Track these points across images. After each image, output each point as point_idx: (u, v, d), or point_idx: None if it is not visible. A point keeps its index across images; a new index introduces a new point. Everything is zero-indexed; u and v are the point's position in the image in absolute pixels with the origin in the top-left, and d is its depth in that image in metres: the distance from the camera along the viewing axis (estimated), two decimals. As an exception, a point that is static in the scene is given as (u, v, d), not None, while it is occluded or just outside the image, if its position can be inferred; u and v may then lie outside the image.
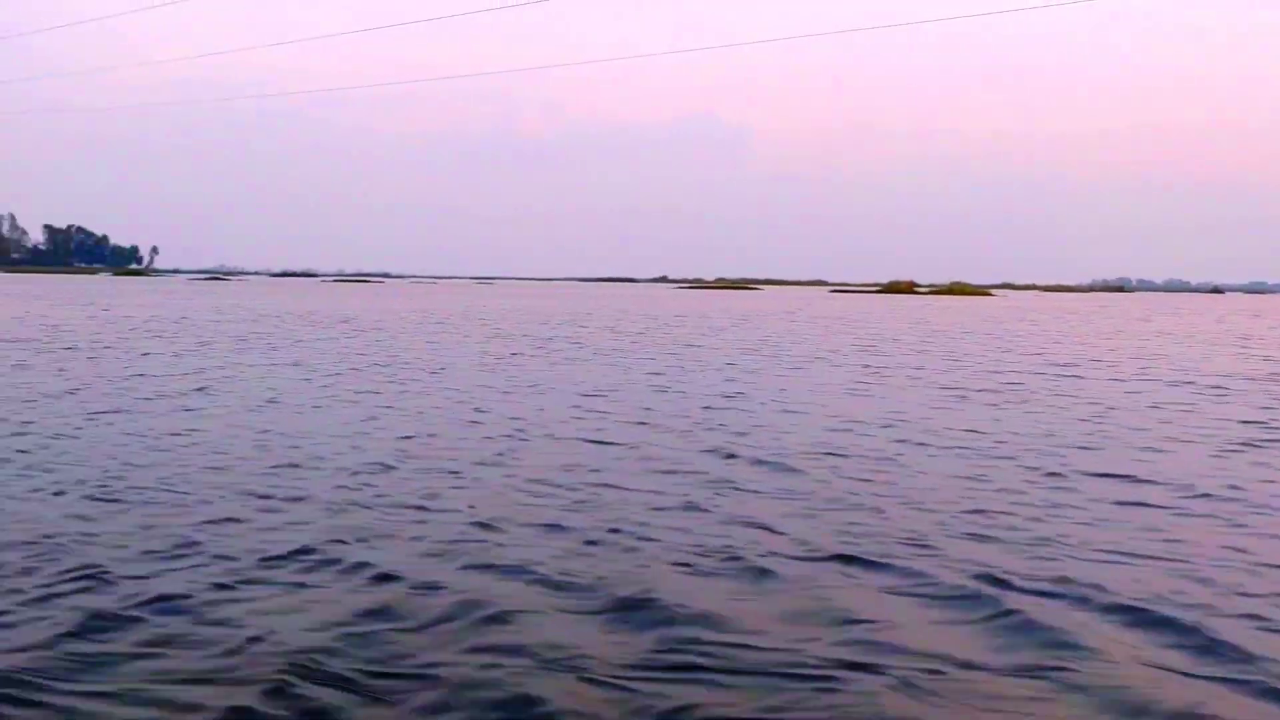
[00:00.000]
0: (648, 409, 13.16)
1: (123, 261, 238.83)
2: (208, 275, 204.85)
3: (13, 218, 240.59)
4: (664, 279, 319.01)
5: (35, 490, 7.60)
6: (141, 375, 16.42)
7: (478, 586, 5.39)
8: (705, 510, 7.29)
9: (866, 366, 20.59)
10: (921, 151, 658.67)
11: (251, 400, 13.54)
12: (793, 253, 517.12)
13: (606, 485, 8.11)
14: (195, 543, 6.13)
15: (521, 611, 4.97)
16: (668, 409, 13.19)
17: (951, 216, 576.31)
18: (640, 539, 6.41)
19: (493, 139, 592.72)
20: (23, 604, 5.01)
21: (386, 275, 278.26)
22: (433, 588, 5.34)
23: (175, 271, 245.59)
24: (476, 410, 12.85)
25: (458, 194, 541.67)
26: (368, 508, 7.23)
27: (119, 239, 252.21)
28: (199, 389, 14.70)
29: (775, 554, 6.14)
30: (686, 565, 5.88)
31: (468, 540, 6.35)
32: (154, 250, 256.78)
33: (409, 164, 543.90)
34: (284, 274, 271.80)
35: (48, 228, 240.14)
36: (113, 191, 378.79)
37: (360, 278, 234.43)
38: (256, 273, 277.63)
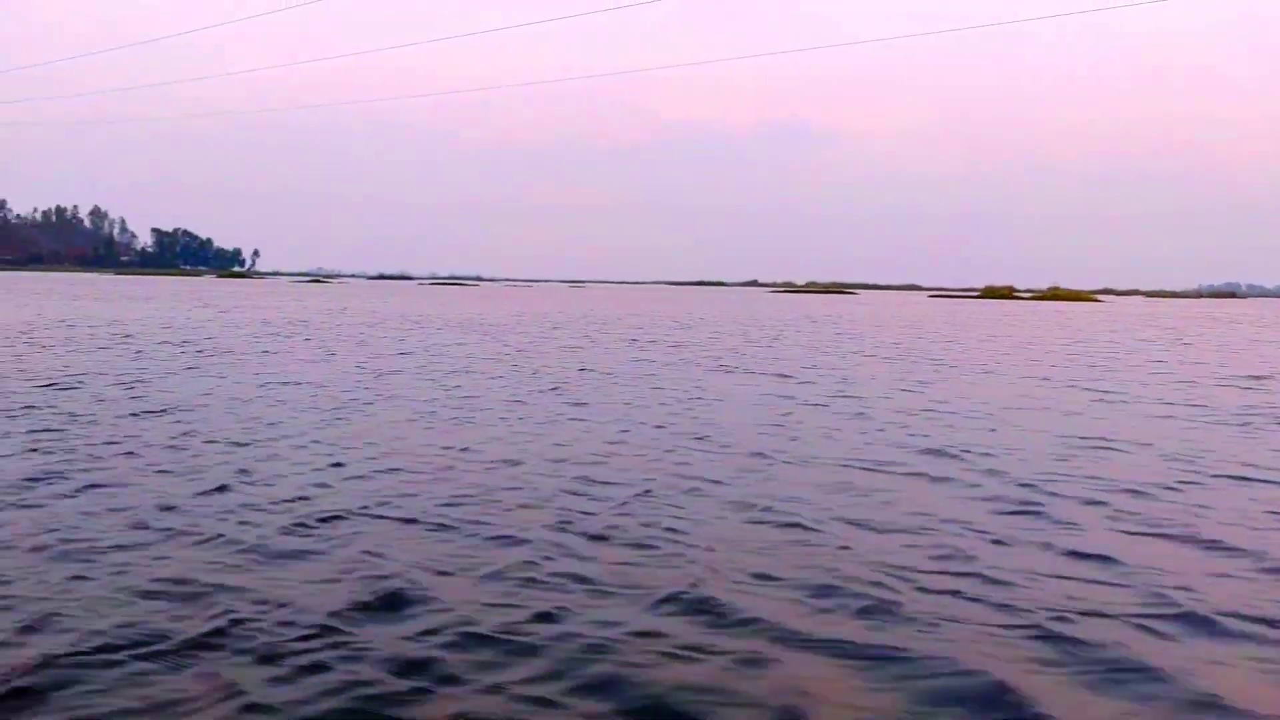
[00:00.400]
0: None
1: (226, 264, 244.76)
2: (309, 278, 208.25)
3: (123, 221, 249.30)
4: (754, 283, 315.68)
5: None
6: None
7: None
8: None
9: (1074, 385, 17.43)
10: (1009, 153, 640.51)
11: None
12: (881, 256, 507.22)
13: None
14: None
15: None
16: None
17: (1042, 220, 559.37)
18: None
19: (581, 144, 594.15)
20: None
21: (479, 278, 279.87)
22: None
23: (275, 274, 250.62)
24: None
25: (547, 198, 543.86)
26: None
27: (222, 242, 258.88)
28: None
29: None
30: None
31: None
32: (255, 253, 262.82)
33: (499, 169, 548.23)
34: (380, 276, 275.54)
35: (155, 231, 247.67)
36: (216, 196, 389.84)
37: (454, 280, 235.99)
38: (353, 275, 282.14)
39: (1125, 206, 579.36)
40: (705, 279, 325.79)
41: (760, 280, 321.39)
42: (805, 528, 6.34)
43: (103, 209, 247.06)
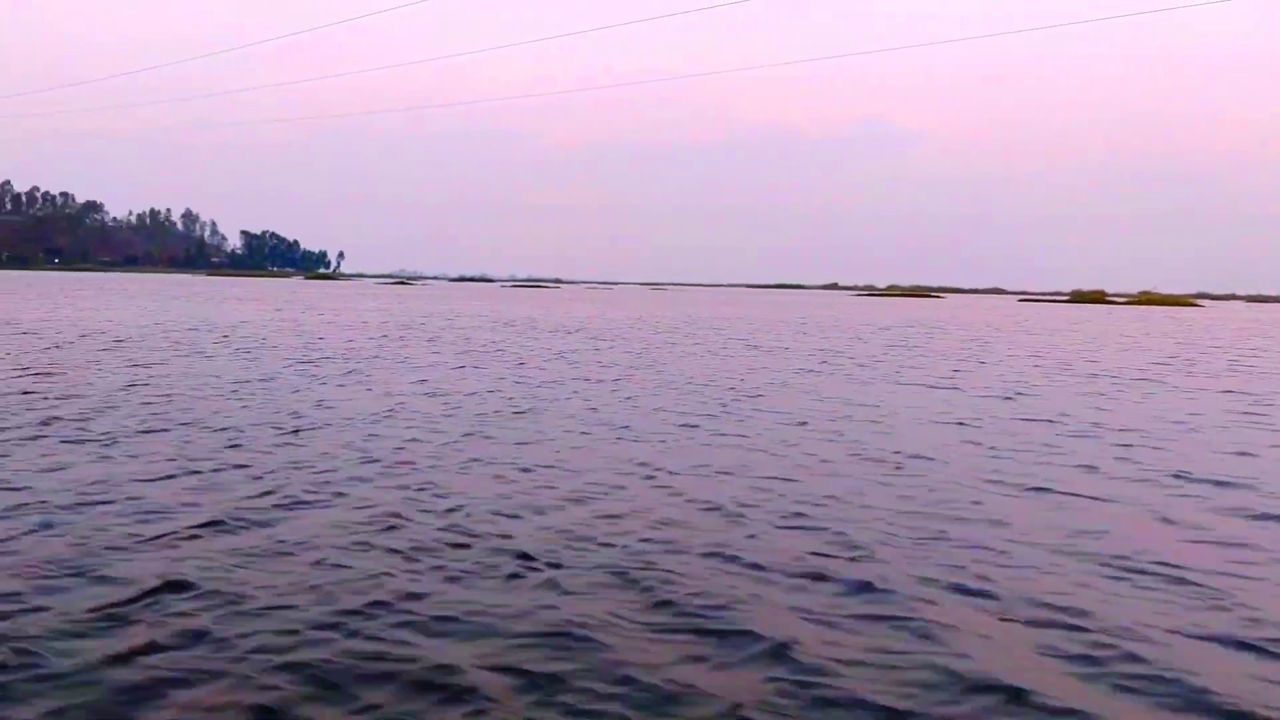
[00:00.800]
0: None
1: (312, 265, 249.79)
2: (394, 279, 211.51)
3: (214, 224, 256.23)
4: (834, 285, 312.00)
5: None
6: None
7: None
8: None
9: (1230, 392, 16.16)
10: (1091, 155, 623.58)
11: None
12: (963, 259, 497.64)
13: None
14: None
15: None
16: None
17: (1128, 222, 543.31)
18: None
19: (658, 146, 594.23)
20: None
21: (558, 280, 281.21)
22: None
23: (359, 275, 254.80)
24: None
25: (625, 200, 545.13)
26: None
27: (308, 244, 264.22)
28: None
29: None
30: None
31: None
32: (340, 254, 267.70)
33: (576, 171, 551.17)
34: (460, 279, 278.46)
35: (244, 233, 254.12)
36: (303, 198, 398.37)
37: (533, 283, 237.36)
38: (434, 277, 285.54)
39: (1217, 209, 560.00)
40: (784, 281, 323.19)
41: (840, 283, 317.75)
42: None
43: (194, 212, 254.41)
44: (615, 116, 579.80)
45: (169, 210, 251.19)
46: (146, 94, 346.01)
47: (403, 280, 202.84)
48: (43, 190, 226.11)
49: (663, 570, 5.50)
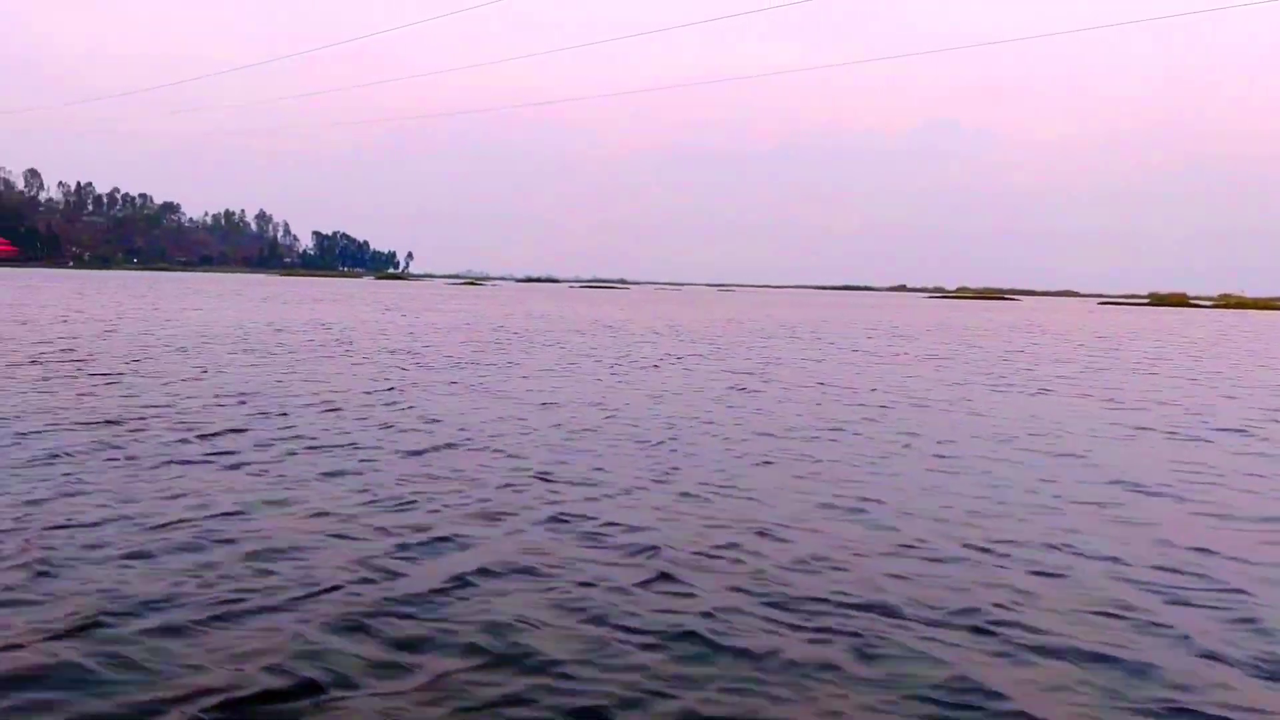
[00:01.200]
0: None
1: (382, 265, 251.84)
2: (462, 280, 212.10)
3: (286, 225, 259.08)
4: (902, 287, 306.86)
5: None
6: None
7: None
8: None
9: None
10: (1169, 156, 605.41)
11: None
12: (1033, 261, 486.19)
13: None
14: None
15: None
16: None
17: (1204, 224, 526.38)
18: None
19: (723, 146, 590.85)
20: None
21: (624, 281, 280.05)
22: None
23: (428, 276, 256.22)
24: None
25: (688, 201, 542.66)
26: None
27: (378, 245, 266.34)
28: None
29: None
30: None
31: None
32: (409, 255, 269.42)
33: (639, 172, 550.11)
34: (527, 279, 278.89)
35: (316, 234, 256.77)
36: (372, 200, 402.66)
37: (600, 283, 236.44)
38: (500, 278, 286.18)
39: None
40: (850, 283, 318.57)
41: (909, 285, 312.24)
42: None
43: (267, 213, 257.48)
44: (677, 117, 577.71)
45: (243, 211, 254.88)
46: (221, 96, 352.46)
47: (472, 281, 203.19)
48: (123, 192, 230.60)
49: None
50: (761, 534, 6.49)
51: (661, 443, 10.07)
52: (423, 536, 6.17)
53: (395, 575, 5.39)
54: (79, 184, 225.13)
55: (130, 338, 22.27)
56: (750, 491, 7.85)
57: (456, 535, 6.24)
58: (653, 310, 58.21)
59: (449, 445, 9.54)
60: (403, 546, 5.92)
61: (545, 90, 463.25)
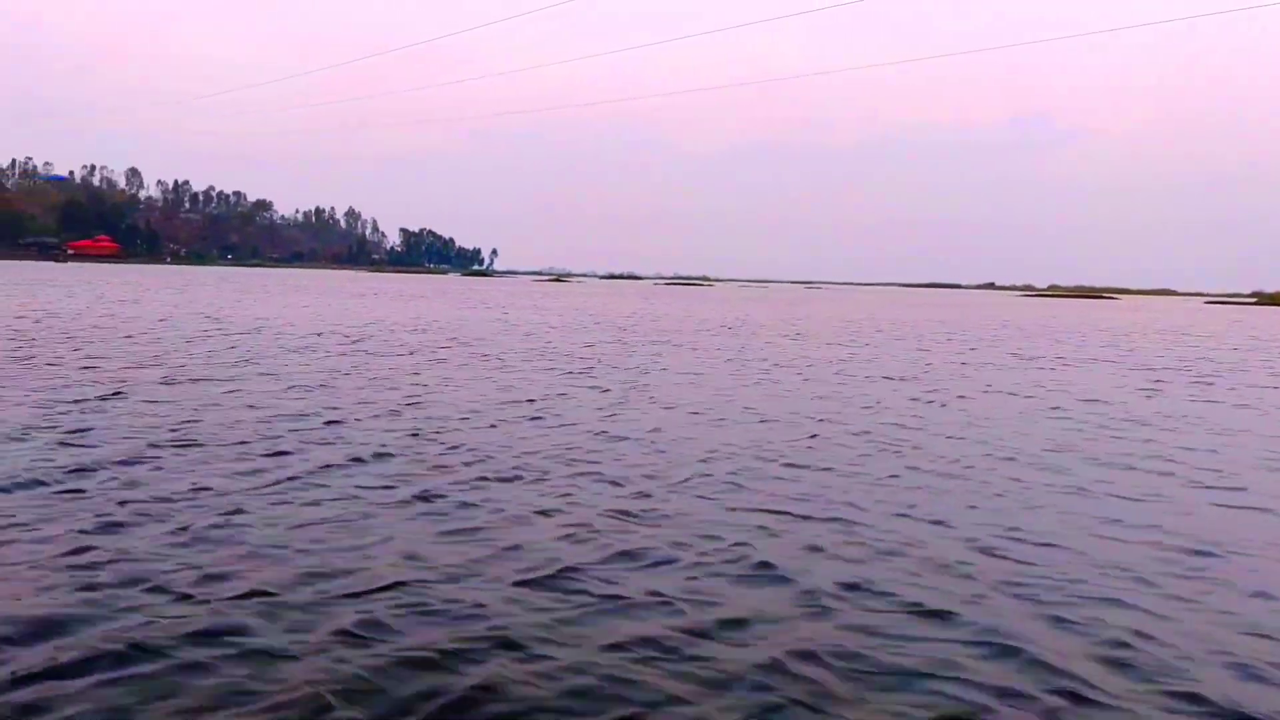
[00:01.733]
0: None
1: (467, 263, 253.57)
2: (548, 276, 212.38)
3: (374, 222, 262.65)
4: (991, 285, 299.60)
5: None
6: None
7: None
8: None
9: None
10: (1268, 147, 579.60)
11: None
12: (1124, 259, 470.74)
13: None
14: None
15: None
16: None
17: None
18: None
19: (806, 144, 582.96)
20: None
21: (705, 278, 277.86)
22: None
23: (512, 272, 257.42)
24: None
25: (770, 198, 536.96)
26: None
27: (463, 242, 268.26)
28: None
29: None
30: None
31: None
32: (494, 252, 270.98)
33: (721, 169, 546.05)
34: (609, 276, 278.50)
35: (403, 231, 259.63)
36: (457, 197, 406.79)
37: (685, 280, 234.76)
38: (583, 274, 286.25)
39: None
40: (936, 281, 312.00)
41: (997, 283, 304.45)
42: None
43: (356, 210, 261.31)
44: (760, 115, 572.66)
45: (332, 208, 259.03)
46: (311, 96, 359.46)
47: (557, 278, 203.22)
48: (217, 190, 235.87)
49: None
50: None
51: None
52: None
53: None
54: (176, 182, 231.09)
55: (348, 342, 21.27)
56: None
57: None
58: (764, 309, 56.37)
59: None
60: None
61: (626, 87, 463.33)
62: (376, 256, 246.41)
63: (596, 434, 9.92)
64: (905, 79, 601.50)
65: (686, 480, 7.81)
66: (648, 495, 7.23)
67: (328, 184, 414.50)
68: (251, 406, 10.89)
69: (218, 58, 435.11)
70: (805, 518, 6.71)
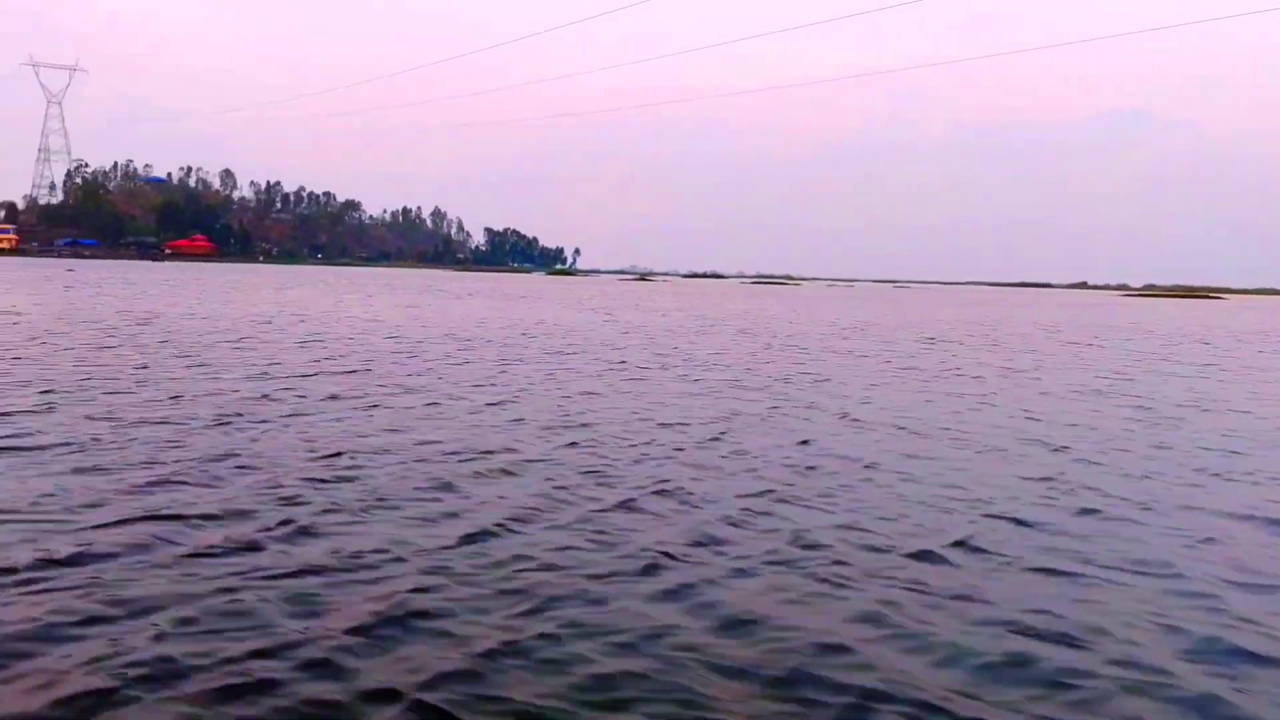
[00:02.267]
0: None
1: (550, 262, 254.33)
2: (633, 275, 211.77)
3: (460, 222, 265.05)
4: (1083, 284, 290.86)
5: None
6: None
7: None
8: None
9: None
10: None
11: None
12: (1226, 257, 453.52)
13: None
14: None
15: None
16: None
17: None
18: None
19: (890, 141, 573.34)
20: None
21: (789, 277, 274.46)
22: None
23: (594, 271, 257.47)
24: None
25: (853, 197, 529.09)
26: None
27: (546, 241, 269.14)
28: None
29: None
30: None
31: None
32: (576, 251, 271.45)
33: (802, 168, 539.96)
34: (691, 275, 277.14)
35: (488, 230, 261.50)
36: (540, 196, 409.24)
37: (766, 279, 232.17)
38: (665, 273, 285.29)
39: None
40: (1025, 280, 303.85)
41: (1089, 282, 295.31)
42: None
43: (442, 210, 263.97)
44: (842, 112, 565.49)
45: (419, 208, 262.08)
46: (397, 97, 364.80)
47: (641, 276, 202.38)
48: (308, 190, 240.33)
49: None
50: None
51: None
52: None
53: None
54: (268, 183, 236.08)
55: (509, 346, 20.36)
56: None
57: None
58: (875, 310, 54.46)
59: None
60: None
61: (708, 86, 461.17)
62: (461, 256, 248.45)
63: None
64: (994, 74, 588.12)
65: None
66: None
67: (414, 183, 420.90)
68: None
69: (310, 61, 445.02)
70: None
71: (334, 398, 11.52)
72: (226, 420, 9.59)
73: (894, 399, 13.51)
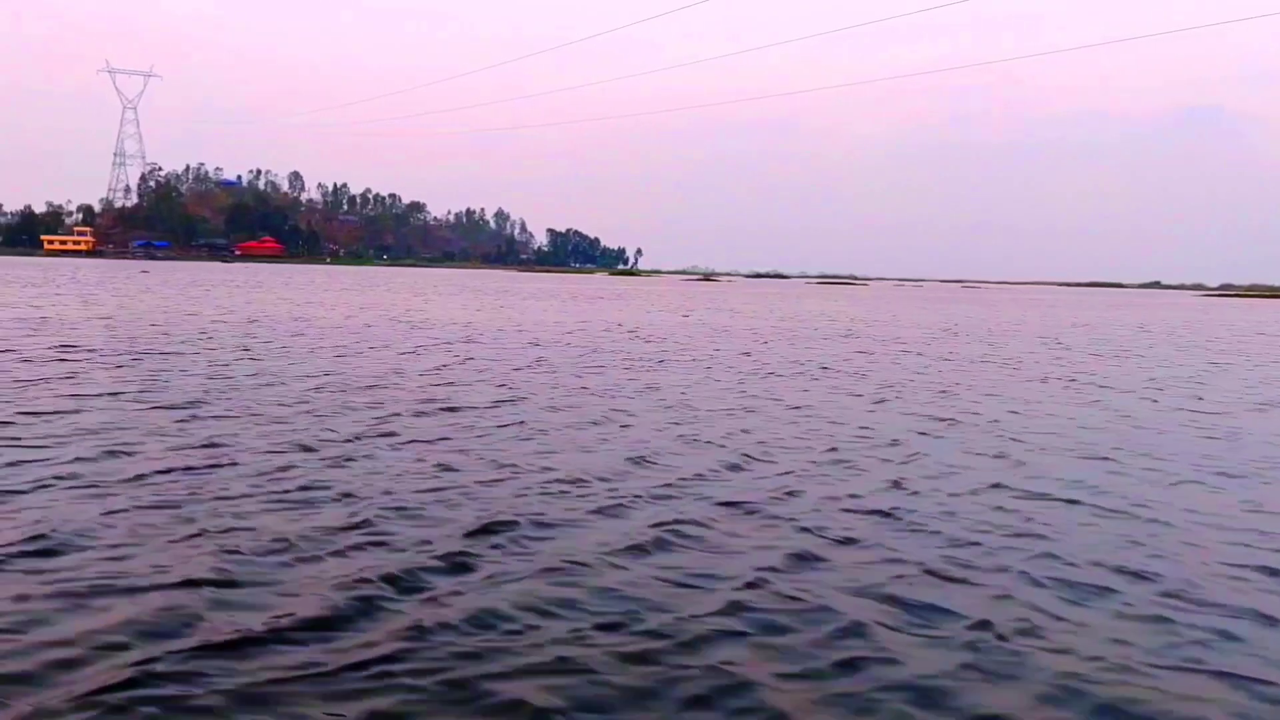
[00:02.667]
0: None
1: (612, 262, 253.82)
2: (697, 275, 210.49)
3: (522, 222, 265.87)
4: (1156, 284, 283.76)
5: None
6: None
7: None
8: None
9: None
10: None
11: None
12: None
13: None
14: None
15: None
16: None
17: None
18: None
19: (954, 139, 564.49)
20: None
21: (854, 277, 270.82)
22: None
23: (656, 271, 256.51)
24: None
25: (916, 196, 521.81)
26: None
27: (607, 241, 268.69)
28: None
29: None
30: None
31: None
32: (638, 251, 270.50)
33: (866, 167, 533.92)
34: (754, 274, 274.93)
35: (550, 231, 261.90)
36: (601, 197, 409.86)
37: (830, 279, 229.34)
38: (727, 274, 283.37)
39: None
40: (1096, 280, 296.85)
41: (1163, 282, 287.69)
42: None
43: (505, 211, 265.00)
44: (904, 110, 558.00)
45: (482, 209, 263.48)
46: (460, 99, 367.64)
47: (705, 276, 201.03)
48: (374, 192, 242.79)
49: None
50: None
51: None
52: None
53: None
54: (335, 185, 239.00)
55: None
56: None
57: None
58: (960, 311, 52.82)
59: None
60: None
61: (768, 86, 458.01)
62: (525, 256, 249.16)
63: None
64: (1063, 70, 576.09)
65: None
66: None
67: (477, 185, 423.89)
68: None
69: (377, 64, 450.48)
70: None
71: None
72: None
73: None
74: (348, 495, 6.67)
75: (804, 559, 5.63)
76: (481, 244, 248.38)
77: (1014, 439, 10.15)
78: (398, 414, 10.24)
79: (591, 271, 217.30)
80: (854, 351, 21.57)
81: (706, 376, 15.28)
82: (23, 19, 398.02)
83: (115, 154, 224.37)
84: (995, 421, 11.36)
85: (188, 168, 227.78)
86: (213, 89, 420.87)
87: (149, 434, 8.64)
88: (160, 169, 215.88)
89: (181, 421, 9.35)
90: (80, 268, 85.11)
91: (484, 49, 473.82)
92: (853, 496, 7.22)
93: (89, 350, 15.86)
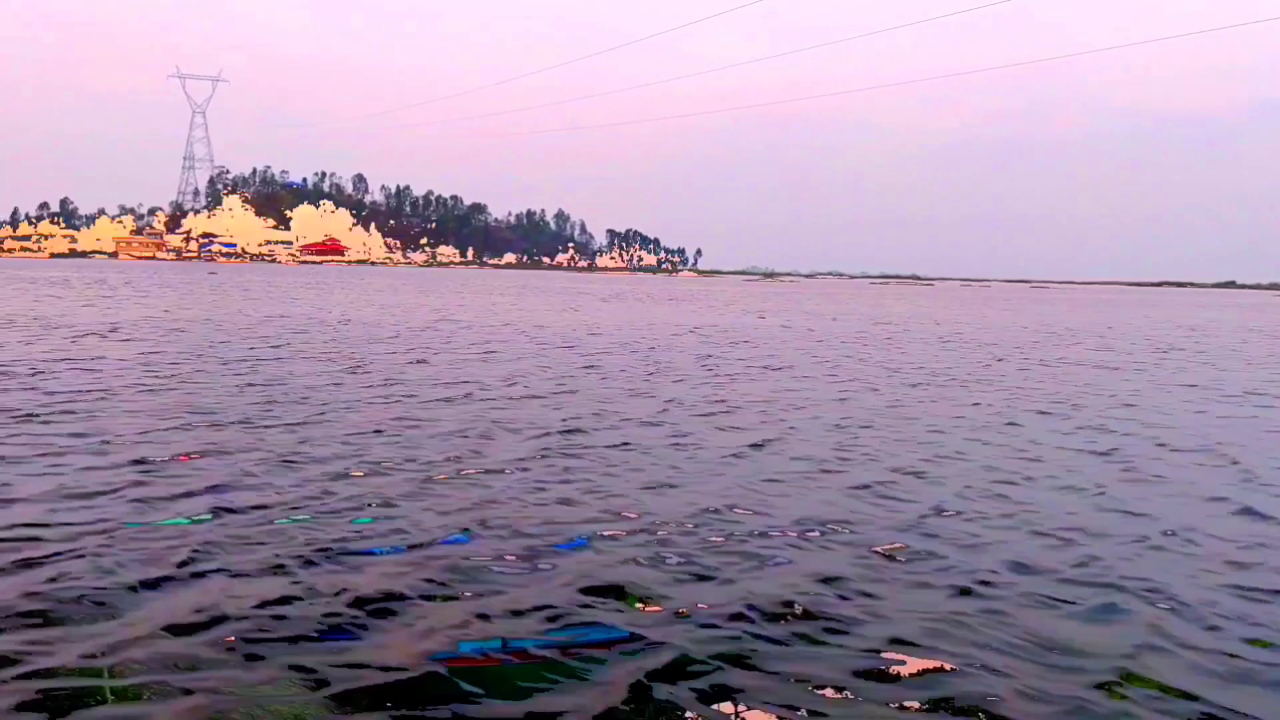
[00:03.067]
0: None
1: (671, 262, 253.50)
2: (759, 275, 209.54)
3: (582, 223, 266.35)
4: (1231, 284, 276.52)
5: None
6: None
7: None
8: None
9: None
10: None
11: None
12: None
13: None
14: None
15: None
16: None
17: None
18: None
19: (1020, 136, 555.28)
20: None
21: (916, 276, 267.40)
22: None
23: (716, 271, 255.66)
24: None
25: (979, 195, 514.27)
26: None
27: (667, 241, 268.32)
28: None
29: None
30: None
31: None
32: (698, 252, 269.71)
33: (927, 165, 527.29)
34: (812, 274, 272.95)
35: (610, 232, 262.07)
36: (660, 197, 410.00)
37: (892, 278, 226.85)
38: (787, 273, 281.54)
39: None
40: (1167, 279, 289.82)
41: (1238, 281, 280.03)
42: None
43: (565, 212, 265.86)
44: (969, 108, 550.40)
45: (543, 210, 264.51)
46: (521, 100, 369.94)
47: (768, 274, 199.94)
48: (436, 194, 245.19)
49: None
50: None
51: None
52: None
53: None
54: (398, 187, 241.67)
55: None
56: None
57: None
58: (1058, 314, 51.51)
59: None
60: None
61: (828, 84, 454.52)
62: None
63: None
64: (1133, 63, 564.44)
65: None
66: None
67: (537, 186, 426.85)
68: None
69: (437, 66, 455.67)
70: None
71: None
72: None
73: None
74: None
75: None
76: (543, 244, 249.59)
77: None
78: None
79: (653, 272, 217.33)
80: (990, 360, 20.78)
81: (891, 385, 14.68)
82: (83, 26, 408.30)
83: (184, 158, 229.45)
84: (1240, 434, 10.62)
85: (254, 170, 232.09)
86: (279, 92, 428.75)
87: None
88: (228, 172, 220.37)
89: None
90: (170, 270, 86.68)
91: (542, 52, 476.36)
92: None
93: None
